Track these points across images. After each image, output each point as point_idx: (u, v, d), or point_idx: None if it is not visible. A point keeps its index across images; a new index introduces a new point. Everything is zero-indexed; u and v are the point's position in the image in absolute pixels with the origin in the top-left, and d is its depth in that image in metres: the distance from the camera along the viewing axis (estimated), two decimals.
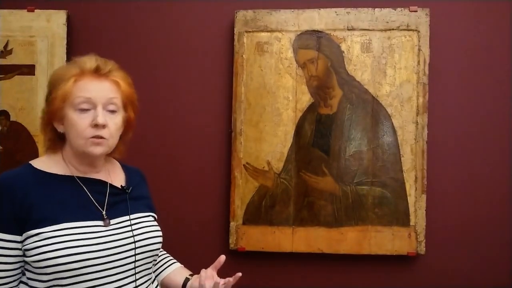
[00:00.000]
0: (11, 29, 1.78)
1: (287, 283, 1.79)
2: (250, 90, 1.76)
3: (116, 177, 1.14)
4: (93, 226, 1.00)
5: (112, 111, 1.03)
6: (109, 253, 0.99)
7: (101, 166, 1.10)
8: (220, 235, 1.81)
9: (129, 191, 1.12)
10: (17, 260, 0.97)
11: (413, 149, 1.71)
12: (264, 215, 1.74)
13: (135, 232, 1.06)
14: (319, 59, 1.75)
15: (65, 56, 1.77)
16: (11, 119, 1.78)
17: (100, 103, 1.00)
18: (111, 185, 1.09)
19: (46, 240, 0.94)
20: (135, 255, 1.04)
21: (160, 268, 1.24)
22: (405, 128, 1.72)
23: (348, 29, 1.74)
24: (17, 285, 1.00)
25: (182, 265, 1.27)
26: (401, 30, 1.72)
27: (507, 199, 1.75)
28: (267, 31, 1.76)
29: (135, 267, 1.05)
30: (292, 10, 1.75)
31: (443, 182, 1.76)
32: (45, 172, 1.02)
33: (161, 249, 1.19)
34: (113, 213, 1.05)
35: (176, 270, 1.23)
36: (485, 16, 1.76)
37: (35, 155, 1.71)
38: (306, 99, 1.74)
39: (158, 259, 1.25)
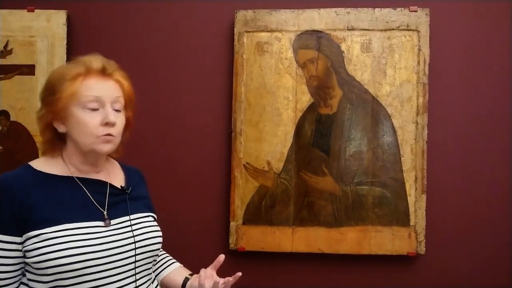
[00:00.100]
0: (11, 29, 1.78)
1: (287, 283, 1.80)
2: (250, 90, 1.76)
3: (116, 177, 1.14)
4: (93, 227, 1.00)
5: (117, 110, 1.05)
6: (109, 254, 0.99)
7: (102, 166, 1.10)
8: (220, 235, 1.81)
9: (128, 191, 1.12)
10: (17, 262, 0.97)
11: (413, 149, 1.71)
12: (264, 215, 1.74)
13: (135, 233, 1.06)
14: (319, 59, 1.75)
15: (65, 56, 1.77)
16: (11, 119, 1.78)
17: (108, 102, 1.02)
18: (111, 185, 1.09)
19: (47, 241, 0.94)
20: (135, 255, 1.04)
21: (160, 268, 1.24)
22: (405, 128, 1.72)
23: (348, 29, 1.74)
24: (17, 287, 1.00)
25: (182, 265, 1.27)
26: (401, 30, 1.72)
27: (507, 199, 1.75)
28: (267, 31, 1.76)
29: (135, 268, 1.05)
30: (292, 10, 1.75)
31: (443, 182, 1.76)
32: (44, 173, 1.02)
33: (160, 249, 1.19)
34: (114, 214, 1.05)
35: (175, 270, 1.23)
36: (485, 16, 1.76)
37: (35, 155, 1.71)
38: (306, 99, 1.74)
39: (158, 259, 1.25)
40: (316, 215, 1.73)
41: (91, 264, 0.96)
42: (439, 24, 1.75)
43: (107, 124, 1.01)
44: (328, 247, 1.72)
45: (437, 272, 1.77)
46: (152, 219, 1.16)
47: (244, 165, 1.75)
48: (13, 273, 0.98)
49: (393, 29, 1.73)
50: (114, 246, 1.01)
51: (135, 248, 1.05)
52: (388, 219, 1.71)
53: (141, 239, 1.07)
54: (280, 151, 1.74)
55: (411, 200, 1.71)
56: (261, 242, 1.74)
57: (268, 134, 1.75)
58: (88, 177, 1.06)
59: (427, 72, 1.71)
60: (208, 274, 1.11)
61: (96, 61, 1.04)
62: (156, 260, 1.18)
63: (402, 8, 1.72)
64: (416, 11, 1.71)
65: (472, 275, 1.75)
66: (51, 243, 0.94)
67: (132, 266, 1.04)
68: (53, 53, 1.78)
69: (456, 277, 1.76)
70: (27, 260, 0.96)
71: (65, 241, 0.94)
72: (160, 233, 1.13)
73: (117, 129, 1.04)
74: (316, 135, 1.74)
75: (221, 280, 1.09)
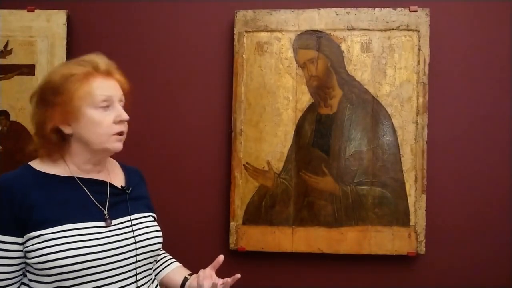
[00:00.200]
0: (11, 29, 1.78)
1: (287, 283, 1.80)
2: (250, 90, 1.76)
3: (116, 177, 1.14)
4: (95, 227, 1.00)
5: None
6: (111, 254, 0.99)
7: (103, 166, 1.11)
8: (220, 235, 1.81)
9: (129, 191, 1.12)
10: (18, 262, 0.97)
11: (413, 149, 1.71)
12: (264, 215, 1.74)
13: (136, 233, 1.06)
14: (319, 59, 1.75)
15: (65, 56, 1.77)
16: (11, 119, 1.78)
17: (116, 101, 1.04)
18: (111, 185, 1.09)
19: (49, 241, 0.94)
20: (136, 255, 1.05)
21: (159, 267, 1.24)
22: (405, 128, 1.72)
23: (348, 29, 1.74)
24: (18, 287, 1.00)
25: (181, 265, 1.27)
26: (401, 30, 1.72)
27: (507, 199, 1.75)
28: (267, 31, 1.76)
29: (136, 268, 1.05)
30: (292, 10, 1.75)
31: (443, 182, 1.76)
32: (44, 173, 1.02)
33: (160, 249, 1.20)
34: (114, 214, 1.05)
35: (175, 270, 1.23)
36: (485, 16, 1.76)
37: (35, 155, 1.71)
38: (306, 99, 1.74)
39: (157, 258, 1.25)
40: (316, 215, 1.73)
41: (93, 264, 0.96)
42: (439, 24, 1.75)
43: (120, 122, 1.03)
44: (328, 247, 1.72)
45: (437, 272, 1.77)
46: (152, 219, 1.16)
47: (244, 165, 1.75)
48: (14, 273, 0.98)
49: (393, 29, 1.73)
50: (115, 246, 1.01)
51: (136, 248, 1.05)
52: (388, 219, 1.71)
53: (141, 239, 1.07)
54: (280, 151, 1.74)
55: (411, 200, 1.71)
56: (261, 242, 1.74)
57: (268, 134, 1.75)
58: (89, 177, 1.06)
59: (427, 72, 1.71)
60: (207, 274, 1.11)
61: (101, 61, 1.05)
62: (156, 260, 1.18)
63: (402, 8, 1.72)
64: (416, 11, 1.71)
65: (472, 275, 1.75)
66: (53, 244, 0.94)
67: (133, 266, 1.04)
68: (53, 53, 1.78)
69: (456, 277, 1.76)
70: (28, 261, 0.96)
71: (67, 242, 0.94)
72: (160, 233, 1.13)
73: (126, 127, 1.07)
74: (316, 135, 1.74)
75: (220, 281, 1.09)
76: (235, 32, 1.76)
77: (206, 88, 1.82)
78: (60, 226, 0.96)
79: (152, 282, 1.14)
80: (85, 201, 1.03)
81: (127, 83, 1.10)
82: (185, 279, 1.18)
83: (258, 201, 1.75)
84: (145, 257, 1.07)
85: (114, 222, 1.04)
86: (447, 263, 1.76)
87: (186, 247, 1.76)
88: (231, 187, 1.76)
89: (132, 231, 1.06)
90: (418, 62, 1.72)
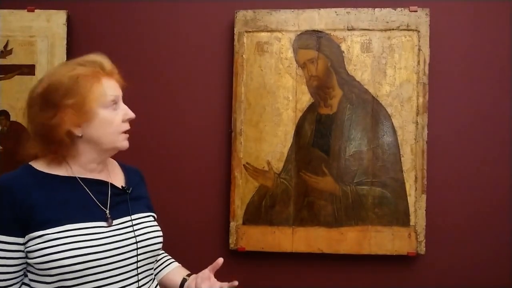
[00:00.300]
0: (11, 29, 1.78)
1: (287, 283, 1.80)
2: (250, 90, 1.76)
3: (116, 177, 1.15)
4: (96, 227, 1.00)
5: None
6: (112, 254, 0.99)
7: (105, 165, 1.11)
8: (220, 235, 1.81)
9: (129, 191, 1.12)
10: (19, 262, 0.97)
11: (413, 149, 1.71)
12: (264, 215, 1.74)
13: (137, 233, 1.07)
14: (319, 59, 1.75)
15: (65, 56, 1.77)
16: (11, 119, 1.79)
17: (120, 100, 1.07)
18: (112, 185, 1.09)
19: (51, 241, 0.94)
20: (137, 255, 1.05)
21: (159, 267, 1.24)
22: (405, 128, 1.72)
23: (348, 29, 1.74)
24: (19, 287, 1.00)
25: (180, 265, 1.27)
26: (401, 30, 1.72)
27: (507, 199, 1.75)
28: (267, 31, 1.76)
29: (137, 268, 1.05)
30: (292, 10, 1.75)
31: (443, 182, 1.76)
32: (45, 173, 1.02)
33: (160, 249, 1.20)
34: (115, 214, 1.05)
35: (174, 270, 1.24)
36: (485, 16, 1.76)
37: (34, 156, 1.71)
38: (306, 99, 1.74)
39: (157, 258, 1.25)
40: (316, 215, 1.73)
41: (95, 264, 0.96)
42: (439, 24, 1.75)
43: (127, 120, 1.06)
44: (328, 247, 1.72)
45: (437, 272, 1.77)
46: (153, 219, 1.16)
47: (244, 165, 1.75)
48: (15, 273, 0.98)
49: (393, 29, 1.73)
50: (117, 246, 1.01)
51: (137, 248, 1.05)
52: (388, 219, 1.71)
53: (142, 239, 1.07)
54: (280, 151, 1.74)
55: (411, 200, 1.71)
56: (261, 242, 1.74)
57: (268, 134, 1.75)
58: (90, 177, 1.06)
59: (427, 72, 1.71)
60: (206, 276, 1.11)
61: (104, 61, 1.05)
62: (156, 260, 1.18)
63: (402, 8, 1.72)
64: (416, 11, 1.71)
65: (472, 275, 1.75)
66: (55, 244, 0.94)
67: (134, 266, 1.04)
68: (53, 53, 1.78)
69: (456, 277, 1.76)
70: (29, 261, 0.96)
71: (69, 242, 0.94)
72: (160, 233, 1.13)
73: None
74: (316, 135, 1.74)
75: (218, 284, 1.10)
76: (235, 32, 1.76)
77: (206, 88, 1.82)
78: (62, 226, 0.96)
79: (153, 282, 1.14)
80: (86, 201, 1.03)
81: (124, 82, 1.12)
82: (184, 280, 1.18)
83: (258, 201, 1.75)
84: (146, 256, 1.07)
85: (115, 222, 1.04)
86: (447, 263, 1.76)
87: (186, 247, 1.77)
88: (231, 187, 1.76)
89: (133, 231, 1.06)
90: (418, 62, 1.72)
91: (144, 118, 1.77)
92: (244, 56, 1.76)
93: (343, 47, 1.74)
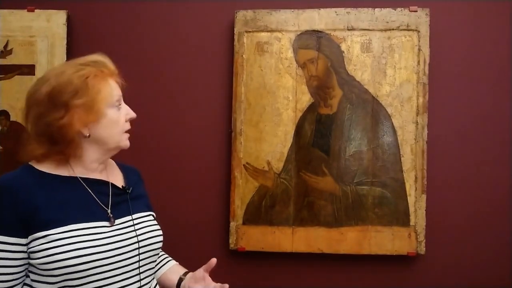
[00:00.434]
0: (11, 29, 1.78)
1: (287, 283, 1.80)
2: (250, 90, 1.76)
3: (115, 177, 1.15)
4: (99, 227, 1.00)
5: None
6: (115, 253, 1.00)
7: (105, 164, 1.12)
8: (220, 235, 1.81)
9: (129, 191, 1.12)
10: (22, 263, 0.97)
11: (413, 149, 1.71)
12: (264, 215, 1.74)
13: (138, 232, 1.07)
14: (319, 59, 1.75)
15: (65, 56, 1.78)
16: (11, 119, 1.79)
17: (122, 99, 1.08)
18: (113, 185, 1.10)
19: (55, 242, 0.94)
20: (139, 254, 1.05)
21: (156, 266, 1.24)
22: (405, 128, 1.72)
23: (348, 29, 1.74)
24: None
25: (177, 263, 1.28)
26: (401, 30, 1.72)
27: (507, 199, 1.75)
28: (267, 31, 1.76)
29: (139, 266, 1.06)
30: (292, 10, 1.75)
31: (443, 182, 1.76)
32: (47, 173, 1.02)
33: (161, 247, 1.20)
34: (117, 213, 1.06)
35: (171, 269, 1.24)
36: (485, 16, 1.76)
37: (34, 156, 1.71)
38: (306, 99, 1.74)
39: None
40: (316, 215, 1.73)
41: (98, 264, 0.96)
42: (439, 24, 1.75)
43: (129, 120, 1.08)
44: (328, 247, 1.72)
45: (437, 272, 1.77)
46: (152, 218, 1.17)
47: (244, 165, 1.75)
48: (17, 274, 0.97)
49: (393, 29, 1.73)
50: (119, 246, 1.01)
51: (139, 247, 1.05)
52: (388, 219, 1.71)
53: (143, 238, 1.08)
54: (280, 151, 1.74)
55: (411, 200, 1.71)
56: (261, 242, 1.74)
57: (268, 134, 1.75)
58: (91, 177, 1.06)
59: (427, 72, 1.71)
60: (200, 277, 1.13)
61: (108, 61, 1.06)
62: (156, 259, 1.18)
63: (402, 8, 1.72)
64: (416, 11, 1.71)
65: (472, 275, 1.75)
66: (59, 244, 0.94)
67: (136, 265, 1.05)
68: (53, 53, 1.78)
69: (456, 277, 1.76)
70: (32, 261, 0.96)
71: (73, 242, 0.95)
72: (160, 232, 1.14)
73: None
74: (316, 135, 1.74)
75: (212, 285, 1.11)
76: (235, 32, 1.76)
77: (206, 88, 1.82)
78: (66, 226, 0.96)
79: (153, 280, 1.15)
80: (88, 201, 1.03)
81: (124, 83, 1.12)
82: (180, 280, 1.19)
83: (258, 201, 1.75)
84: (148, 255, 1.08)
85: (117, 221, 1.04)
86: (447, 263, 1.76)
87: (186, 247, 1.77)
88: (231, 187, 1.76)
89: (135, 230, 1.07)
90: (418, 62, 1.72)
91: (144, 118, 1.77)
92: (244, 56, 1.76)
93: (343, 47, 1.74)
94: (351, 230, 1.72)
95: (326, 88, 1.74)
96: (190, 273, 1.18)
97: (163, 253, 1.30)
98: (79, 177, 1.04)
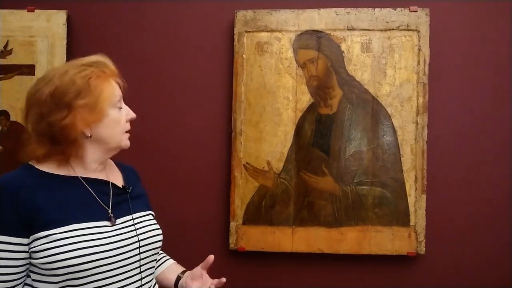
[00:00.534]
0: (11, 29, 1.78)
1: (287, 283, 1.79)
2: (250, 90, 1.76)
3: (115, 176, 1.15)
4: (101, 227, 1.01)
5: None
6: (117, 253, 1.00)
7: (105, 164, 1.12)
8: (220, 235, 1.81)
9: (129, 190, 1.12)
10: (23, 263, 0.97)
11: (413, 149, 1.71)
12: (264, 215, 1.74)
13: (139, 231, 1.08)
14: (319, 59, 1.75)
15: (65, 56, 1.77)
16: (11, 119, 1.79)
17: (122, 100, 1.08)
18: (113, 184, 1.10)
19: (57, 241, 0.94)
20: (139, 253, 1.06)
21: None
22: (405, 128, 1.72)
23: (348, 29, 1.74)
24: None
25: (175, 262, 1.29)
26: (401, 30, 1.72)
27: (507, 198, 1.75)
28: (267, 31, 1.76)
29: (140, 266, 1.06)
30: (292, 10, 1.75)
31: (443, 182, 1.76)
32: (48, 173, 1.02)
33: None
34: (117, 213, 1.06)
35: (170, 267, 1.25)
36: (485, 16, 1.76)
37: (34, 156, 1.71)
38: (306, 99, 1.74)
39: None
40: (316, 215, 1.73)
41: (101, 263, 0.97)
42: (439, 24, 1.75)
43: (129, 120, 1.09)
44: (328, 247, 1.72)
45: (437, 272, 1.77)
46: (152, 217, 1.17)
47: (244, 165, 1.75)
48: (18, 274, 0.97)
49: (393, 29, 1.73)
50: (121, 245, 1.02)
51: (140, 247, 1.06)
52: (388, 219, 1.71)
53: (144, 237, 1.08)
54: (280, 151, 1.74)
55: (411, 200, 1.71)
56: (261, 242, 1.74)
57: (268, 134, 1.75)
58: (91, 177, 1.06)
59: (427, 72, 1.71)
60: (198, 274, 1.14)
61: (108, 61, 1.07)
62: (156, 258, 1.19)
63: (402, 8, 1.72)
64: (416, 11, 1.71)
65: (472, 275, 1.75)
66: (61, 244, 0.94)
67: (137, 264, 1.05)
68: (53, 53, 1.78)
69: (456, 277, 1.76)
70: (34, 261, 0.96)
71: (75, 241, 0.95)
72: (160, 231, 1.14)
73: None
74: (316, 135, 1.74)
75: (209, 281, 1.12)
76: (235, 32, 1.76)
77: (206, 88, 1.82)
78: (68, 226, 0.96)
79: (154, 279, 1.16)
80: (90, 201, 1.03)
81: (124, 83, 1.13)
82: (178, 278, 1.19)
83: (258, 201, 1.75)
84: (148, 254, 1.09)
85: (118, 221, 1.05)
86: (447, 263, 1.76)
87: (186, 247, 1.76)
88: (231, 187, 1.76)
89: (135, 229, 1.07)
90: (418, 62, 1.72)
91: (144, 118, 1.77)
92: (244, 56, 1.76)
93: (343, 47, 1.74)
94: (351, 230, 1.72)
95: (326, 88, 1.74)
96: (188, 272, 1.19)
97: (161, 252, 1.30)
98: (80, 176, 1.04)
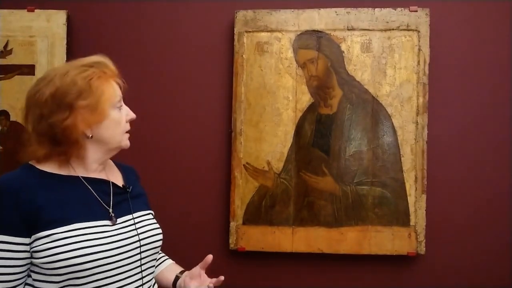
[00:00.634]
0: (11, 29, 1.78)
1: (287, 283, 1.80)
2: (250, 90, 1.76)
3: (115, 176, 1.15)
4: (102, 226, 1.01)
5: None
6: (118, 252, 1.00)
7: (106, 164, 1.12)
8: (220, 235, 1.81)
9: (130, 190, 1.13)
10: (24, 263, 0.97)
11: (413, 149, 1.71)
12: (264, 215, 1.74)
13: (139, 231, 1.08)
14: (319, 59, 1.75)
15: (65, 56, 1.78)
16: (11, 119, 1.79)
17: (122, 100, 1.09)
18: (113, 184, 1.10)
19: (59, 241, 0.94)
20: (140, 253, 1.06)
21: None
22: (405, 128, 1.72)
23: (348, 29, 1.74)
24: None
25: (174, 261, 1.29)
26: (401, 30, 1.72)
27: (507, 198, 1.75)
28: (267, 31, 1.76)
29: (141, 265, 1.06)
30: (292, 10, 1.75)
31: (443, 182, 1.76)
32: (49, 173, 1.02)
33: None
34: (118, 212, 1.06)
35: (168, 267, 1.25)
36: (485, 16, 1.76)
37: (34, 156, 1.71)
38: (306, 99, 1.74)
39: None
40: (316, 215, 1.73)
41: (102, 263, 0.97)
42: (439, 24, 1.75)
43: (129, 120, 1.09)
44: (328, 247, 1.72)
45: (437, 272, 1.77)
46: (152, 216, 1.18)
47: (244, 165, 1.75)
48: (20, 274, 0.97)
49: (393, 29, 1.73)
50: (122, 244, 1.02)
51: (140, 246, 1.06)
52: (388, 219, 1.71)
53: (145, 236, 1.08)
54: (280, 151, 1.74)
55: (411, 200, 1.71)
56: (261, 242, 1.74)
57: (268, 134, 1.75)
58: (92, 176, 1.07)
59: (427, 72, 1.71)
60: (197, 273, 1.14)
61: (108, 62, 1.07)
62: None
63: (402, 8, 1.72)
64: (416, 11, 1.71)
65: (472, 275, 1.75)
66: (63, 243, 0.94)
67: (138, 263, 1.06)
68: (53, 53, 1.78)
69: (456, 277, 1.76)
70: (35, 261, 0.96)
71: (77, 241, 0.95)
72: (160, 230, 1.15)
73: None
74: (316, 135, 1.74)
75: (208, 281, 1.12)
76: (235, 32, 1.76)
77: (206, 88, 1.83)
78: (69, 226, 0.96)
79: (154, 278, 1.16)
80: (90, 200, 1.03)
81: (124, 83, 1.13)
82: (176, 278, 1.20)
83: (258, 201, 1.75)
84: (149, 254, 1.09)
85: (118, 220, 1.05)
86: (447, 263, 1.76)
87: (186, 247, 1.76)
88: (231, 187, 1.76)
89: (136, 229, 1.07)
90: (418, 62, 1.72)
91: (144, 118, 1.77)
92: (244, 56, 1.76)
93: (343, 47, 1.74)
94: (351, 230, 1.72)
95: (326, 88, 1.74)
96: (187, 271, 1.20)
97: (160, 252, 1.30)
98: (81, 176, 1.04)
